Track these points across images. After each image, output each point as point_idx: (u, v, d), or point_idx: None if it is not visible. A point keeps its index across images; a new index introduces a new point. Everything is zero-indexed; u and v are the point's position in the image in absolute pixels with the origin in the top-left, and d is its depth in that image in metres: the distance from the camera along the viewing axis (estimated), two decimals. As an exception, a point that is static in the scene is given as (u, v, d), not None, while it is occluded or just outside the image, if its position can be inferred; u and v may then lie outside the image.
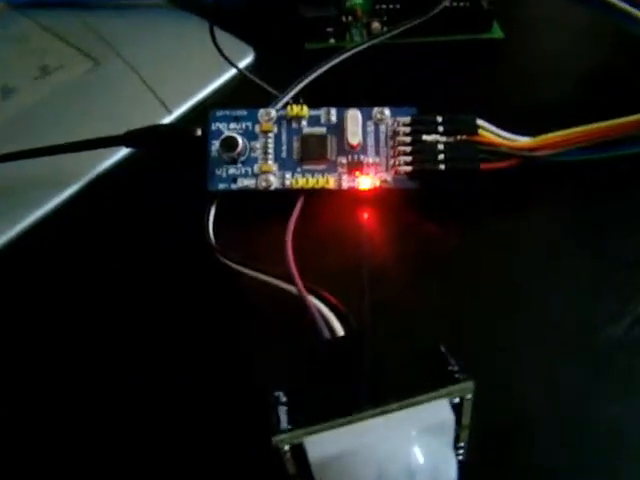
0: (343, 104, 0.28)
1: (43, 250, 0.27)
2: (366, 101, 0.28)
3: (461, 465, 0.19)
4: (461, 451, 0.19)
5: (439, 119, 0.26)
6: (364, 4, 0.34)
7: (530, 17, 0.35)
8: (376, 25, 0.34)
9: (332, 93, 0.29)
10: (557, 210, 0.27)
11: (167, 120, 0.31)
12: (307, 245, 0.24)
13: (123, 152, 0.30)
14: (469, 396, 0.17)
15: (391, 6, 0.34)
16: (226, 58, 0.30)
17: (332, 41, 0.34)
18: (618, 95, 0.30)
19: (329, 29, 0.34)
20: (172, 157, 0.28)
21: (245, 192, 0.26)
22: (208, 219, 0.26)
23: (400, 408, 0.17)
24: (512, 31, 0.34)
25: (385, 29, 0.33)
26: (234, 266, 0.23)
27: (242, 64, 0.33)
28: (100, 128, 0.29)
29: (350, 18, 0.34)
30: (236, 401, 0.21)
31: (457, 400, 0.17)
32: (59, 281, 0.26)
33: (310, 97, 0.29)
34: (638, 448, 0.21)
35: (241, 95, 0.32)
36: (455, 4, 0.34)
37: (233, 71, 0.33)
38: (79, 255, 0.27)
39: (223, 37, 0.32)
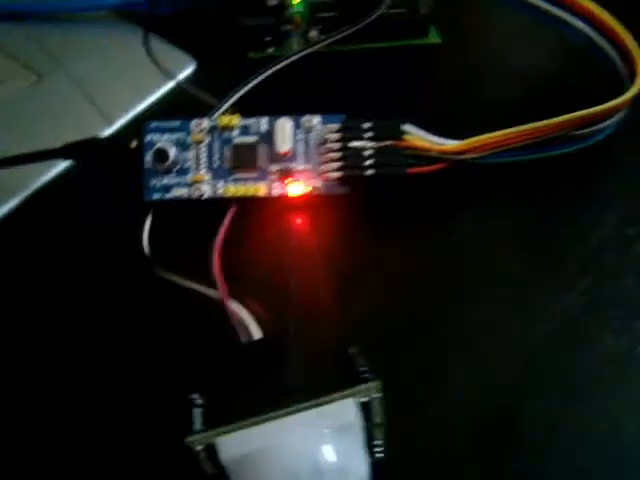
0: (280, 112, 0.29)
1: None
2: (301, 109, 0.29)
3: (379, 462, 0.19)
4: (378, 449, 0.20)
5: (367, 125, 0.27)
6: (303, 12, 0.35)
7: (467, 22, 0.36)
8: (313, 33, 0.35)
9: (270, 102, 0.30)
10: (487, 211, 0.28)
11: (108, 132, 0.32)
12: (238, 253, 0.25)
13: (61, 166, 0.31)
14: (376, 395, 0.18)
15: (328, 14, 0.35)
16: (162, 69, 0.31)
17: (271, 50, 0.35)
18: (547, 98, 0.31)
19: (268, 38, 0.34)
20: (110, 169, 0.29)
21: (179, 201, 0.27)
22: (143, 229, 0.27)
23: (308, 408, 0.18)
24: (450, 36, 0.35)
25: (322, 37, 0.34)
26: (166, 275, 0.24)
27: (183, 74, 0.34)
28: (42, 142, 0.30)
29: (289, 27, 0.35)
30: (157, 404, 0.22)
31: (365, 399, 0.18)
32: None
33: (248, 106, 0.30)
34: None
35: (182, 106, 0.33)
36: (392, 11, 0.35)
37: (174, 82, 0.34)
38: (18, 270, 0.28)
39: (164, 47, 0.34)
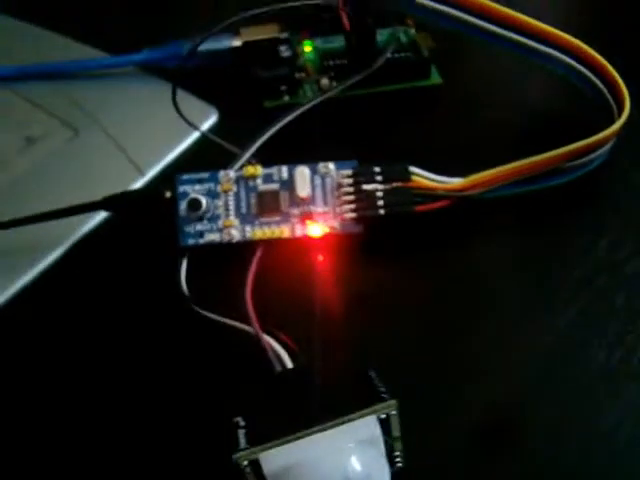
0: (297, 158, 0.32)
1: (30, 314, 0.31)
2: (316, 154, 0.32)
3: (400, 471, 0.23)
4: (398, 459, 0.23)
5: (377, 169, 0.31)
6: (314, 61, 0.39)
7: (465, 63, 0.40)
8: (325, 81, 0.38)
9: (287, 149, 0.33)
10: (489, 241, 0.32)
11: (140, 182, 0.35)
12: (267, 290, 0.28)
13: (100, 217, 0.34)
14: (394, 412, 0.21)
15: (338, 62, 0.38)
16: (187, 121, 0.35)
17: (286, 98, 0.38)
18: (542, 130, 0.35)
19: (283, 87, 0.38)
20: (146, 218, 0.32)
21: (211, 245, 0.30)
22: (180, 272, 0.30)
23: (336, 425, 0.21)
24: (449, 77, 0.39)
25: (334, 84, 0.38)
26: (203, 313, 0.28)
27: (207, 124, 0.37)
28: (80, 194, 0.33)
29: (302, 75, 0.39)
30: (204, 429, 0.26)
31: (384, 416, 0.21)
32: (47, 342, 0.30)
33: (267, 153, 0.33)
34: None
35: (208, 154, 0.36)
36: (396, 55, 0.38)
37: (198, 132, 0.37)
38: (64, 315, 0.31)
39: (188, 99, 0.37)
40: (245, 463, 0.21)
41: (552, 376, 0.27)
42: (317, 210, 0.31)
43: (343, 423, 0.21)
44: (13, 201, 0.35)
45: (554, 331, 0.29)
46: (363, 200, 0.30)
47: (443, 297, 0.30)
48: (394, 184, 0.30)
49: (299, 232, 0.30)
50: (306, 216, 0.30)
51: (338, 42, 0.40)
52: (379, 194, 0.30)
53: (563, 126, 0.35)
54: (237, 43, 0.39)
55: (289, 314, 0.28)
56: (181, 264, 0.30)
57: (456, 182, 0.31)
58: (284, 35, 0.39)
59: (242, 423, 0.22)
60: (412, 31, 0.40)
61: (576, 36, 0.34)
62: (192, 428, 0.26)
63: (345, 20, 0.37)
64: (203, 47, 0.39)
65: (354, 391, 0.22)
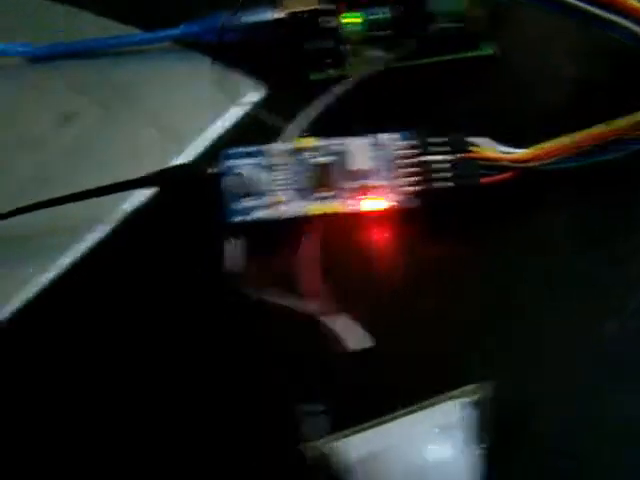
0: (347, 132, 0.30)
1: (76, 291, 0.30)
2: (366, 127, 0.30)
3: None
4: (481, 446, 0.21)
5: (438, 140, 0.29)
6: (358, 32, 0.37)
7: (518, 32, 0.38)
8: (371, 53, 0.36)
9: (336, 121, 0.32)
10: (557, 214, 0.30)
11: (181, 159, 0.34)
12: (324, 269, 0.27)
13: (145, 193, 0.32)
14: (486, 395, 0.19)
15: (384, 33, 0.36)
16: (230, 96, 0.33)
17: (332, 71, 0.36)
18: (605, 101, 0.33)
19: (328, 60, 0.36)
20: (191, 194, 0.31)
21: (260, 222, 0.29)
22: (227, 250, 0.28)
23: (422, 409, 0.19)
24: (502, 47, 0.37)
25: (382, 55, 0.36)
26: (257, 293, 0.26)
27: (253, 99, 0.36)
28: (119, 172, 0.32)
29: (346, 47, 0.37)
30: (269, 416, 0.24)
31: (475, 399, 0.19)
32: (93, 319, 0.29)
33: (316, 127, 0.31)
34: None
35: (251, 130, 0.34)
36: (443, 25, 0.36)
37: (243, 108, 0.35)
38: (114, 292, 0.30)
39: (232, 75, 0.35)
40: (318, 454, 0.19)
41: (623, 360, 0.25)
42: (374, 184, 0.29)
43: (429, 406, 0.19)
44: (50, 179, 0.34)
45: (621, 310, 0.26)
46: (423, 172, 0.28)
47: (508, 273, 0.28)
48: (457, 155, 0.28)
49: (354, 207, 0.28)
50: (362, 190, 0.28)
51: (381, 13, 0.37)
52: (440, 166, 0.28)
53: (627, 98, 0.33)
54: (277, 15, 0.37)
55: (346, 294, 0.26)
56: (227, 243, 0.28)
57: (520, 153, 0.29)
58: (325, 6, 0.37)
59: (319, 408, 0.20)
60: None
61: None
62: (258, 415, 0.24)
63: (392, -12, 0.35)
64: (243, 20, 0.37)
65: (439, 372, 0.20)
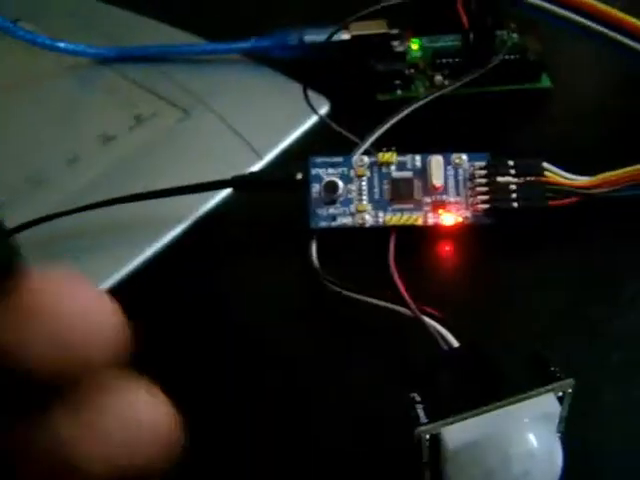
0: (415, 149, 0.33)
1: (158, 281, 0.31)
2: (432, 147, 0.33)
3: None
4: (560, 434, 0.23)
5: (510, 163, 0.31)
6: (423, 58, 0.39)
7: (575, 65, 0.40)
8: (439, 78, 0.39)
9: (404, 139, 0.34)
10: (617, 240, 0.32)
11: (259, 165, 0.36)
12: (400, 274, 0.29)
13: (223, 193, 0.34)
14: (569, 391, 0.22)
15: (451, 60, 0.39)
16: (312, 107, 0.35)
17: (399, 92, 0.39)
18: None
19: (397, 82, 0.39)
20: (273, 198, 0.33)
21: (343, 229, 0.31)
22: (313, 253, 0.30)
23: (517, 401, 0.21)
24: (559, 79, 0.39)
25: (447, 81, 0.38)
26: (346, 293, 0.28)
27: (322, 113, 0.38)
28: (194, 174, 0.34)
29: (413, 71, 0.39)
30: (376, 404, 0.26)
31: (560, 394, 0.22)
32: (174, 312, 0.31)
33: (385, 143, 0.34)
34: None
35: (321, 141, 0.37)
36: (507, 57, 0.39)
37: (312, 119, 0.38)
38: (191, 287, 0.31)
39: (302, 89, 0.37)
40: (427, 437, 0.21)
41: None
42: (450, 200, 0.31)
43: (524, 399, 0.21)
44: (125, 177, 0.36)
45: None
46: (496, 192, 0.31)
47: (565, 287, 0.31)
48: (527, 178, 0.31)
49: (431, 220, 0.31)
50: (439, 205, 0.31)
51: (447, 41, 0.40)
52: (512, 187, 0.31)
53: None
54: (346, 37, 0.40)
55: (426, 298, 0.28)
56: (312, 246, 0.31)
57: (584, 180, 0.31)
58: (394, 31, 0.40)
59: (419, 398, 0.22)
60: (515, 35, 0.40)
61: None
62: (362, 405, 0.26)
63: (464, 19, 0.37)
64: (312, 38, 0.40)
65: (527, 369, 0.23)
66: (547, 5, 0.36)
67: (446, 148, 0.33)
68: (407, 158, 0.32)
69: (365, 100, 0.39)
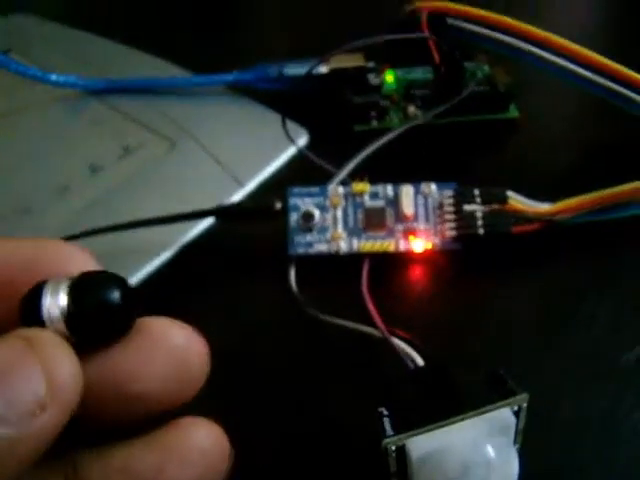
0: (389, 178, 0.35)
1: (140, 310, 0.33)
2: (407, 176, 0.35)
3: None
4: (517, 446, 0.26)
5: (476, 192, 0.34)
6: (398, 89, 0.42)
7: (541, 98, 0.43)
8: (412, 109, 0.41)
9: (378, 168, 0.36)
10: (578, 262, 0.34)
11: (240, 194, 0.38)
12: (373, 298, 0.31)
13: (206, 222, 0.37)
14: (525, 405, 0.24)
15: (423, 92, 0.41)
16: (291, 139, 0.37)
17: (375, 123, 0.41)
18: (622, 163, 0.38)
19: (373, 113, 0.41)
20: (252, 226, 0.35)
21: (320, 256, 0.33)
22: (291, 278, 0.33)
23: (477, 415, 0.23)
24: (528, 110, 0.42)
25: (419, 112, 0.41)
26: (322, 316, 0.30)
27: (300, 144, 0.40)
28: (181, 201, 0.35)
29: (387, 102, 0.42)
30: (346, 420, 0.28)
31: (516, 408, 0.24)
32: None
33: (361, 173, 0.36)
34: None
35: (298, 171, 0.39)
36: (477, 88, 0.41)
37: (292, 149, 0.40)
38: (174, 315, 0.33)
39: (281, 121, 0.39)
40: (393, 448, 0.23)
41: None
42: (420, 227, 0.33)
43: (483, 413, 0.23)
44: (113, 207, 0.38)
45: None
46: (463, 219, 0.33)
47: (534, 310, 0.33)
48: (492, 206, 0.33)
49: (403, 247, 0.33)
50: (410, 232, 0.33)
51: (420, 73, 0.43)
52: (479, 214, 0.33)
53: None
54: (325, 70, 0.42)
55: (397, 321, 0.30)
56: (291, 271, 0.33)
57: (546, 207, 0.34)
58: (370, 64, 0.42)
59: (386, 413, 0.24)
60: (485, 67, 0.43)
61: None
62: (335, 423, 0.29)
63: (435, 53, 0.40)
64: (292, 71, 0.42)
65: (487, 385, 0.25)
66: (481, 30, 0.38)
67: (418, 177, 0.35)
68: (379, 188, 0.34)
69: (342, 131, 0.41)
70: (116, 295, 0.18)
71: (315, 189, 0.34)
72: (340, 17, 0.51)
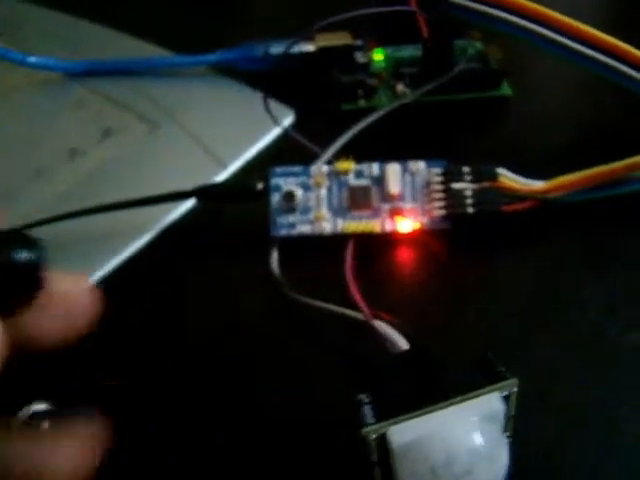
0: (377, 158, 0.34)
1: (124, 290, 0.32)
2: (396, 155, 0.34)
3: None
4: (509, 437, 0.24)
5: (466, 169, 0.32)
6: (386, 68, 0.40)
7: (536, 75, 0.42)
8: (400, 87, 0.40)
9: (367, 148, 0.35)
10: (572, 242, 0.33)
11: (223, 175, 0.37)
12: (357, 280, 0.30)
13: (185, 206, 0.35)
14: (515, 390, 0.23)
15: (412, 70, 0.40)
16: (274, 120, 0.36)
17: (362, 102, 0.40)
18: (616, 140, 0.36)
19: (360, 92, 0.40)
20: (234, 207, 0.34)
21: (303, 237, 0.32)
22: (272, 260, 0.31)
23: (462, 401, 0.22)
24: (521, 88, 0.40)
25: (408, 90, 0.39)
26: (304, 300, 0.29)
27: (286, 124, 0.39)
28: (164, 183, 0.34)
29: (376, 81, 0.40)
30: (328, 407, 0.27)
31: (505, 394, 0.23)
32: (139, 319, 0.31)
33: (349, 152, 0.35)
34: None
35: (285, 152, 0.38)
36: (468, 65, 0.40)
37: (276, 130, 0.39)
38: (153, 298, 0.32)
39: (266, 101, 0.38)
40: (373, 437, 0.22)
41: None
42: (406, 206, 0.32)
43: (469, 398, 0.22)
44: (94, 190, 0.37)
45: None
46: (452, 198, 0.32)
47: (524, 290, 0.31)
48: (482, 184, 0.32)
49: (389, 227, 0.32)
50: (396, 212, 0.32)
51: (410, 50, 0.42)
52: (468, 193, 0.32)
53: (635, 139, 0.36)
54: (311, 48, 0.41)
55: (382, 304, 0.29)
56: (273, 253, 0.31)
57: (539, 185, 0.32)
58: (358, 42, 0.41)
59: (367, 400, 0.23)
60: (478, 44, 0.41)
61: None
62: (310, 408, 0.28)
63: (423, 29, 0.38)
64: (277, 50, 0.41)
65: (474, 370, 0.24)
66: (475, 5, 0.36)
67: (407, 156, 0.34)
68: (364, 167, 0.33)
69: (330, 110, 0.40)
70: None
71: (298, 168, 0.33)
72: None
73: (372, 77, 0.41)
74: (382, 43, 0.42)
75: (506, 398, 0.23)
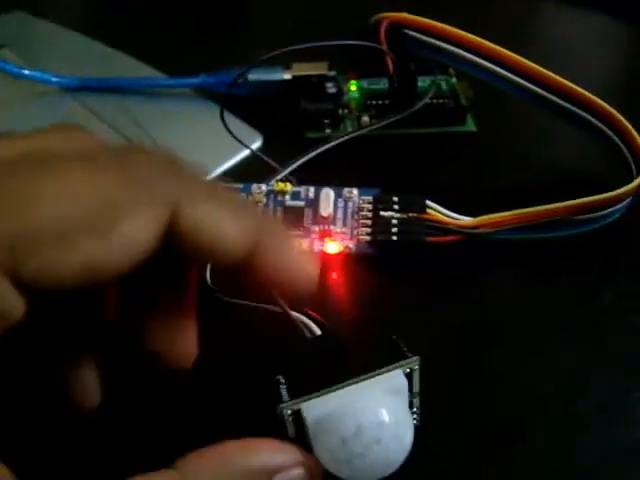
0: (329, 183, 0.36)
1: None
2: (347, 182, 0.36)
3: (416, 430, 0.26)
4: (415, 416, 0.27)
5: (395, 199, 0.34)
6: (357, 99, 0.43)
7: (499, 115, 0.43)
8: (365, 119, 0.42)
9: (321, 174, 0.37)
10: (500, 279, 0.35)
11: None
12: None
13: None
14: (416, 367, 0.25)
15: (380, 102, 0.42)
16: (239, 140, 0.39)
17: (328, 131, 0.42)
18: (551, 183, 0.38)
19: (326, 121, 0.42)
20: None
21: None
22: (207, 273, 0.34)
23: (369, 377, 0.25)
24: (486, 125, 0.43)
25: (373, 122, 0.42)
26: (230, 300, 0.32)
27: (253, 147, 0.41)
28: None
29: (345, 111, 0.43)
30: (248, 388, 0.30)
31: (408, 370, 0.25)
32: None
33: (305, 176, 0.37)
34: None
35: (251, 172, 0.40)
36: (435, 101, 0.42)
37: (246, 152, 0.41)
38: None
39: (236, 122, 0.41)
40: (288, 412, 0.25)
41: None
42: (336, 230, 0.34)
43: (375, 375, 0.25)
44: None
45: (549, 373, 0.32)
46: (379, 225, 0.34)
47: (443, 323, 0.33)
48: (410, 214, 0.34)
49: (317, 248, 0.34)
50: (325, 234, 0.34)
51: (382, 84, 0.44)
52: (395, 221, 0.34)
53: (583, 183, 0.38)
54: (287, 76, 0.43)
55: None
56: (207, 266, 0.34)
57: (467, 220, 0.34)
58: (331, 73, 0.43)
59: (283, 380, 0.25)
60: (453, 80, 0.43)
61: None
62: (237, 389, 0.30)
63: (390, 64, 0.41)
64: (254, 77, 0.43)
65: (380, 351, 0.26)
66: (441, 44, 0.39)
67: (359, 184, 0.36)
68: (302, 189, 0.35)
69: (295, 137, 0.42)
70: None
71: (240, 185, 0.35)
72: (317, 26, 0.52)
73: (341, 107, 0.42)
74: (361, 75, 0.44)
75: (409, 375, 0.25)
